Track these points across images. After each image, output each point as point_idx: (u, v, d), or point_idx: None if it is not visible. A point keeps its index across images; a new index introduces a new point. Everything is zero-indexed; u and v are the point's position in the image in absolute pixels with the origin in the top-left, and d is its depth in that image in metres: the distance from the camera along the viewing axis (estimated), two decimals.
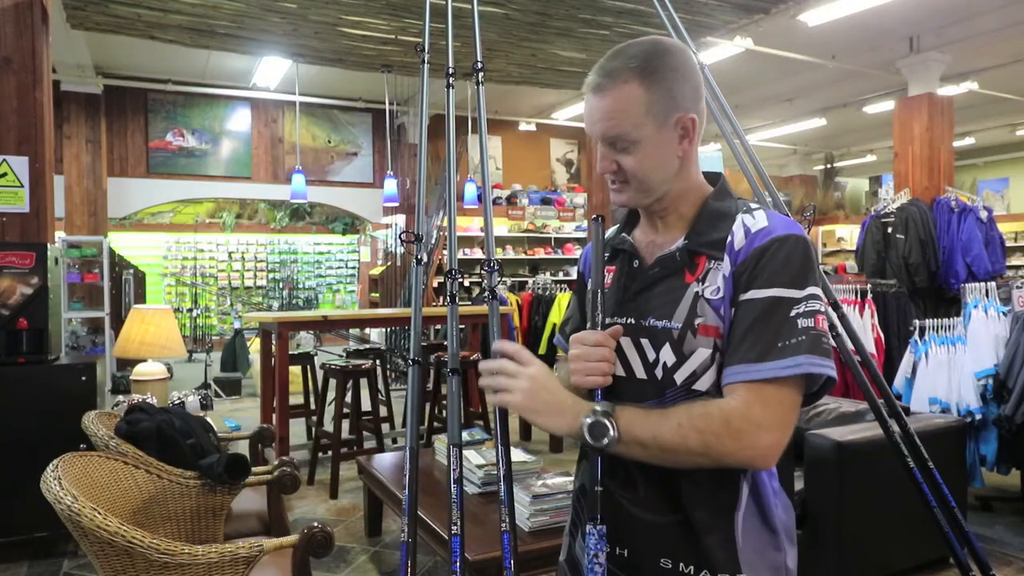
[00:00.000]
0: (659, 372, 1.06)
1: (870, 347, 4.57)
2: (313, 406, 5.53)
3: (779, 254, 1.01)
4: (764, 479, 1.07)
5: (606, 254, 1.20)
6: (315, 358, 5.80)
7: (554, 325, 7.88)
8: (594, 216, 1.14)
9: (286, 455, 4.61)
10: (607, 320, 1.10)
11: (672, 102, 1.05)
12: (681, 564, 1.04)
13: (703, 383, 1.04)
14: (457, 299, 1.55)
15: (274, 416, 4.94)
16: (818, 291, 1.01)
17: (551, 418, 1.02)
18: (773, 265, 1.01)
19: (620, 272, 1.16)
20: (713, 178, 1.14)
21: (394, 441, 5.46)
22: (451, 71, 1.74)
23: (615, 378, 1.09)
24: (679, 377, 1.05)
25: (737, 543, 1.03)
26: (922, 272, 6.23)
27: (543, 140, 11.91)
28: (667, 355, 1.05)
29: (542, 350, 7.94)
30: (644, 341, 1.08)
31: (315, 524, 1.96)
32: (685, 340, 1.04)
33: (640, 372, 1.08)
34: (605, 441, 0.97)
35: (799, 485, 2.99)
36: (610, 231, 1.26)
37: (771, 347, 0.97)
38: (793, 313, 0.99)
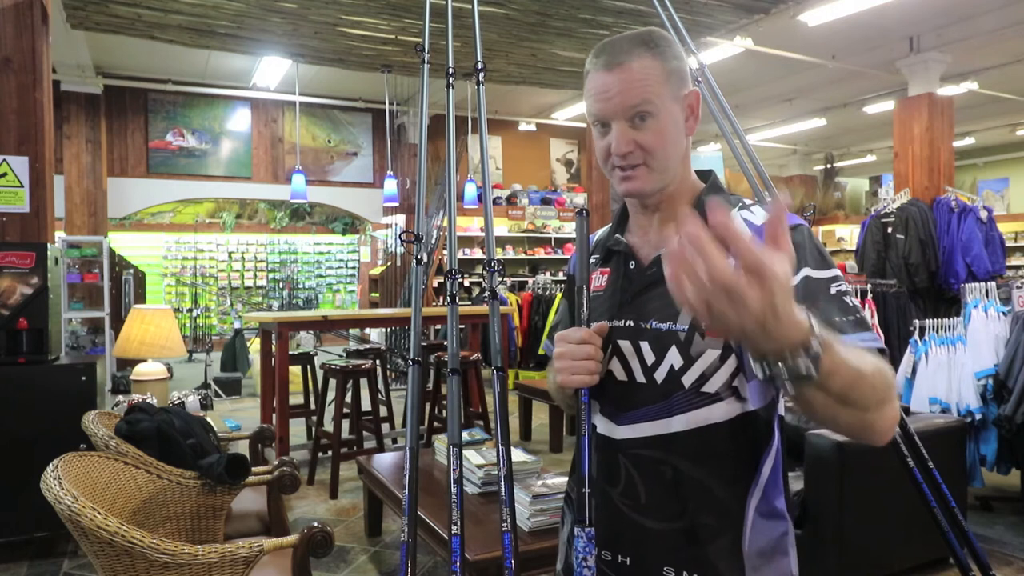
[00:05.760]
0: (661, 375, 1.02)
1: None
2: (313, 406, 5.53)
3: (795, 240, 0.97)
4: (775, 478, 1.02)
5: (598, 255, 1.18)
6: (315, 358, 5.80)
7: (552, 326, 7.89)
8: (578, 210, 1.10)
9: (286, 455, 4.62)
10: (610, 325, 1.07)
11: (681, 74, 1.06)
12: (684, 572, 1.01)
13: (712, 385, 1.00)
14: (457, 299, 1.55)
15: (274, 416, 4.94)
16: (841, 273, 0.99)
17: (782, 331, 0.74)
18: (792, 252, 0.98)
19: (616, 274, 1.12)
20: (704, 176, 1.13)
21: (394, 441, 5.46)
22: (451, 71, 1.74)
23: (616, 383, 1.06)
24: (687, 380, 1.00)
25: (744, 549, 1.00)
26: (922, 272, 6.23)
27: (543, 140, 11.91)
28: (673, 358, 1.01)
29: (542, 351, 7.96)
30: (644, 344, 1.04)
31: (315, 524, 1.96)
32: (693, 342, 1.00)
33: (640, 376, 1.05)
34: (797, 375, 0.77)
35: (799, 485, 2.99)
36: (601, 231, 1.23)
37: (841, 323, 0.92)
38: (834, 291, 0.96)
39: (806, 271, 0.96)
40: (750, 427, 1.00)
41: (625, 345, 1.06)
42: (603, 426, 1.08)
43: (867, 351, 0.88)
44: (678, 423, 1.01)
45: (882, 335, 4.86)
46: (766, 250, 0.72)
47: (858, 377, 0.82)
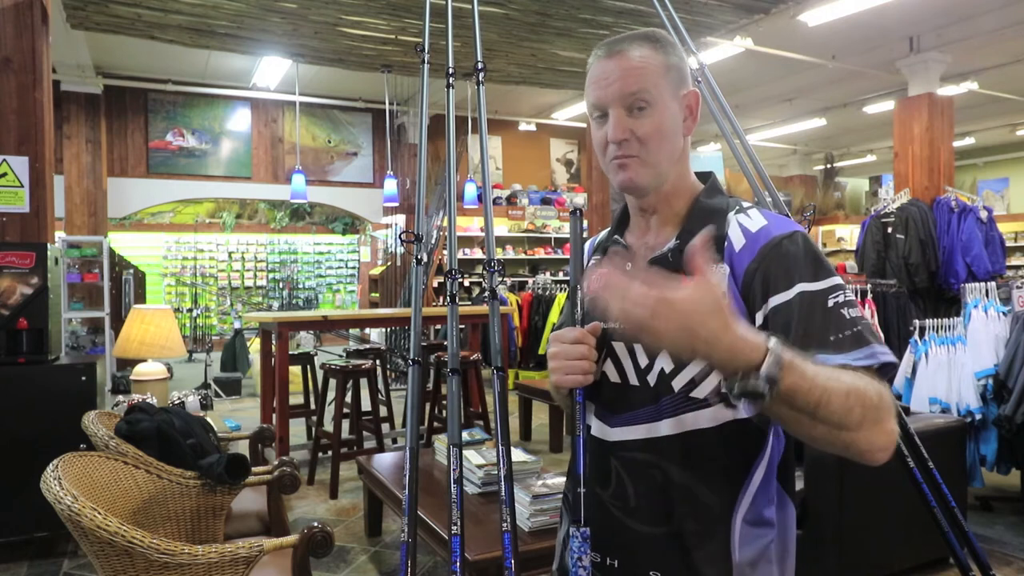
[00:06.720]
0: (653, 378, 1.02)
1: None
2: (313, 406, 5.53)
3: (790, 251, 0.98)
4: (765, 487, 1.02)
5: (599, 256, 1.19)
6: (315, 358, 5.80)
7: (554, 326, 7.89)
8: (572, 209, 1.10)
9: (286, 455, 4.62)
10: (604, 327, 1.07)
11: (681, 73, 1.06)
12: None
13: (702, 390, 0.99)
14: (457, 299, 1.55)
15: (274, 416, 4.94)
16: (840, 280, 0.98)
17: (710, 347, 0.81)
18: (787, 263, 0.97)
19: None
20: (704, 177, 1.13)
21: (394, 441, 5.46)
22: (451, 71, 1.74)
23: (609, 384, 1.07)
24: (677, 384, 1.01)
25: (734, 558, 0.99)
26: (922, 272, 6.23)
27: (543, 140, 11.91)
28: (664, 361, 1.01)
29: (542, 350, 7.96)
30: (638, 347, 1.04)
31: (315, 524, 1.96)
32: None
33: (633, 379, 1.05)
34: (750, 393, 0.82)
35: (799, 485, 2.99)
36: (603, 233, 1.24)
37: (838, 341, 0.91)
38: (831, 303, 0.94)
39: (801, 286, 0.95)
40: (740, 435, 1.00)
41: (619, 347, 1.07)
42: (596, 428, 1.08)
43: (858, 370, 0.89)
44: (667, 427, 1.01)
45: (882, 335, 4.86)
46: (679, 280, 0.81)
47: (826, 396, 0.84)
